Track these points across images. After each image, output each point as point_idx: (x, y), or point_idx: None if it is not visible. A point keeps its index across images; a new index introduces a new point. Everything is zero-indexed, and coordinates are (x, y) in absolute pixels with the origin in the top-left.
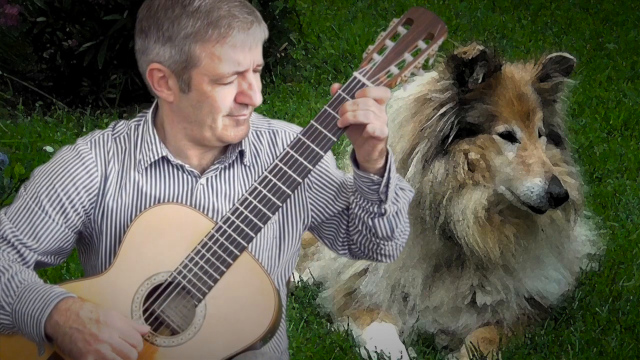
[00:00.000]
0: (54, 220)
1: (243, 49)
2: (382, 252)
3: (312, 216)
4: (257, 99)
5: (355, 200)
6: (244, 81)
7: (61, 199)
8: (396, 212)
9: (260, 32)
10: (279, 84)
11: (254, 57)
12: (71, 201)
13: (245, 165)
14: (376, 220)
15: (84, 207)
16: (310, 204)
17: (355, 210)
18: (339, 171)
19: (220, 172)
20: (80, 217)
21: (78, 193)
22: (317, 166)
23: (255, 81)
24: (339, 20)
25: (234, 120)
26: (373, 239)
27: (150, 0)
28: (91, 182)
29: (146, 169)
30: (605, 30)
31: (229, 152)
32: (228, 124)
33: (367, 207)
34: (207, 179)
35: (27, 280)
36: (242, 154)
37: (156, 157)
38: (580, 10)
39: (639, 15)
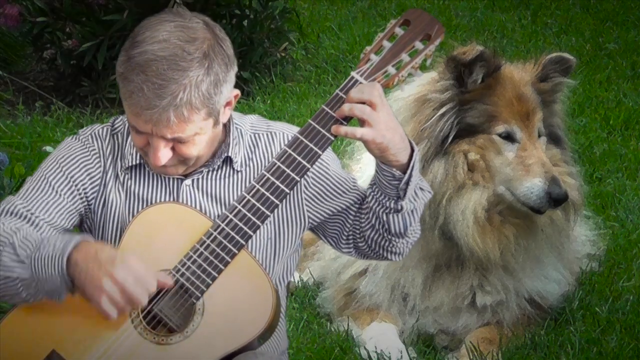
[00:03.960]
0: (61, 196)
1: (139, 118)
2: (392, 249)
3: (310, 217)
4: (155, 162)
5: (372, 194)
6: (150, 140)
7: (68, 178)
8: (412, 210)
9: (164, 118)
10: (279, 84)
11: (156, 130)
12: (76, 182)
13: (235, 170)
14: (391, 216)
15: (85, 191)
16: (307, 204)
17: (371, 204)
18: (340, 169)
19: (205, 174)
20: (82, 200)
21: (82, 177)
22: (315, 166)
23: (161, 146)
24: (339, 20)
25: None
26: (385, 234)
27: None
28: (95, 171)
29: (128, 169)
30: (605, 30)
31: (216, 157)
32: (149, 158)
33: (384, 201)
34: (193, 180)
35: (43, 235)
36: (228, 160)
37: (134, 163)
38: (580, 10)
39: (639, 15)
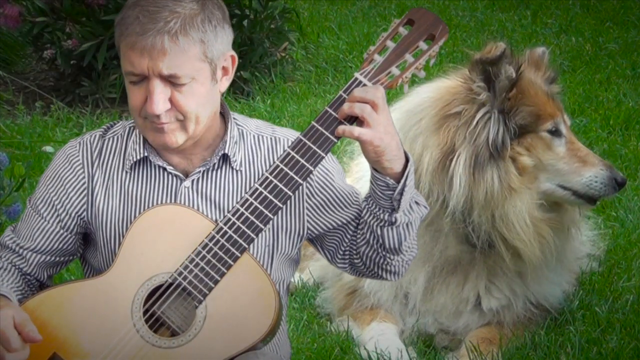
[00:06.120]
0: (47, 221)
1: (134, 51)
2: (387, 267)
3: (309, 227)
4: (152, 107)
5: (367, 206)
6: (147, 87)
7: (54, 203)
8: (407, 224)
9: (158, 42)
10: (279, 84)
11: (151, 64)
12: (62, 204)
13: (234, 169)
14: (385, 229)
15: (75, 209)
16: (308, 214)
17: (366, 217)
18: (344, 183)
19: (203, 174)
20: (73, 219)
21: (68, 196)
22: (319, 176)
23: (158, 89)
24: (339, 20)
25: (150, 124)
26: (380, 250)
27: None
28: (79, 183)
29: (131, 168)
30: (605, 30)
31: (214, 155)
32: (148, 126)
33: (378, 213)
34: (192, 181)
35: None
36: (226, 157)
37: (138, 157)
38: (580, 10)
39: (639, 15)
